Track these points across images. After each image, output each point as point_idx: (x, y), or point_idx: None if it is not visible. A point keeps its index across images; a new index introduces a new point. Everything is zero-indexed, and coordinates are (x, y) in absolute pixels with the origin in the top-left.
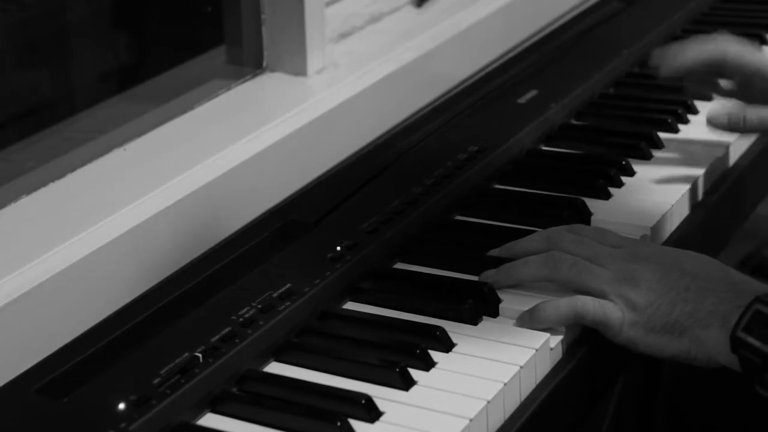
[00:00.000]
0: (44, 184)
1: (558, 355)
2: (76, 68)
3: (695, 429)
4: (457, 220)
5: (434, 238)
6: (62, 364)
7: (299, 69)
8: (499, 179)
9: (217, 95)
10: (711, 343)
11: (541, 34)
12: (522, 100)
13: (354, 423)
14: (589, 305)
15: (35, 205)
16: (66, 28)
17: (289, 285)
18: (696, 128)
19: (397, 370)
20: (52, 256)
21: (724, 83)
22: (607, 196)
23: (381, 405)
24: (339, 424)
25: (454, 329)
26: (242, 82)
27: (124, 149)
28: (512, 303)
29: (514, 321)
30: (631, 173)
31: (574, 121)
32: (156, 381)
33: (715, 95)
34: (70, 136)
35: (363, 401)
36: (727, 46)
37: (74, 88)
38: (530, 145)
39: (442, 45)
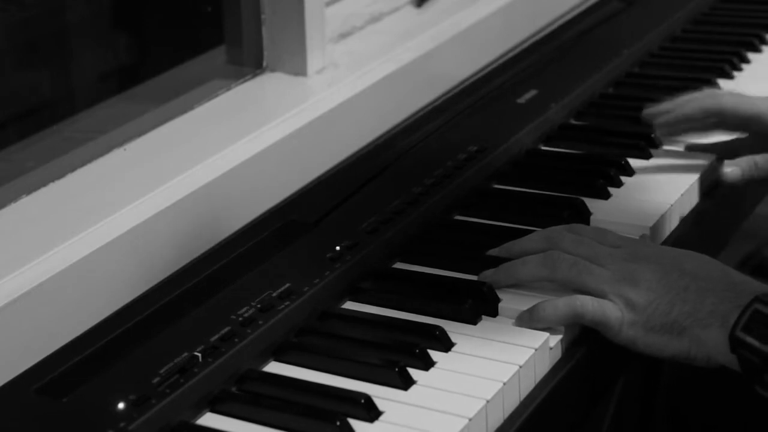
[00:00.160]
0: (44, 184)
1: (557, 354)
2: (76, 68)
3: (695, 429)
4: (457, 220)
5: (434, 238)
6: (62, 364)
7: (299, 69)
8: (499, 179)
9: (217, 95)
10: (710, 342)
11: (541, 34)
12: (522, 100)
13: (353, 422)
14: (588, 305)
15: (35, 205)
16: (66, 28)
17: (288, 285)
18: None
19: (397, 369)
20: (52, 256)
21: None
22: (607, 196)
23: (380, 404)
24: (338, 423)
25: (453, 329)
26: (242, 82)
27: (124, 149)
28: (511, 303)
29: (514, 320)
30: (630, 173)
31: (573, 121)
32: (155, 381)
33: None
34: (70, 136)
35: (362, 401)
36: (722, 99)
37: (74, 88)
38: (530, 145)
39: (442, 45)
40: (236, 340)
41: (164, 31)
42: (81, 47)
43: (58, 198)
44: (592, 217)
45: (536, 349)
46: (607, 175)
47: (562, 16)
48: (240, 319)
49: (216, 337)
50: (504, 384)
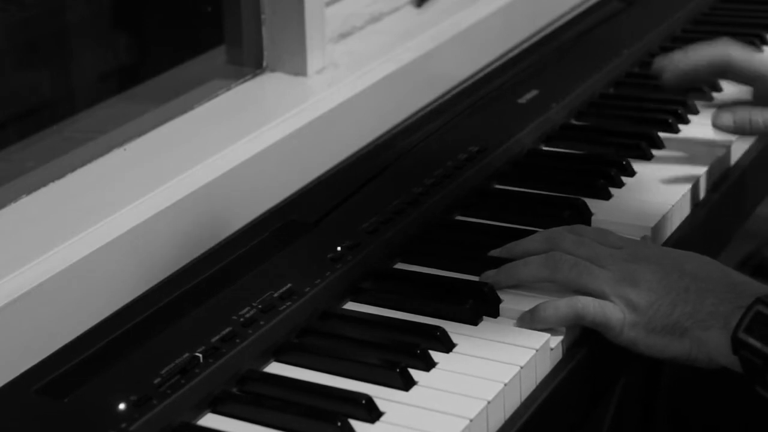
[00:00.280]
0: (44, 184)
1: (558, 355)
2: (76, 68)
3: (696, 430)
4: (458, 220)
5: (434, 238)
6: (62, 364)
7: (299, 69)
8: (500, 179)
9: (217, 95)
10: (712, 344)
11: (541, 34)
12: (522, 100)
13: (354, 423)
14: (589, 306)
15: (35, 205)
16: (66, 28)
17: (289, 285)
18: (696, 128)
19: (398, 370)
20: (52, 256)
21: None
22: (608, 196)
23: (381, 405)
24: (339, 424)
25: (454, 329)
26: (242, 82)
27: (124, 149)
28: (512, 303)
29: (515, 321)
30: (631, 173)
31: (574, 121)
32: (156, 381)
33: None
34: (70, 136)
35: (363, 401)
36: (731, 50)
37: (74, 88)
38: (530, 145)
39: (442, 45)
40: (237, 340)
41: (164, 31)
42: (81, 47)
43: (58, 198)
44: (593, 218)
45: (537, 350)
46: (608, 175)
47: (562, 16)
48: (241, 319)
49: (217, 337)
50: (505, 385)
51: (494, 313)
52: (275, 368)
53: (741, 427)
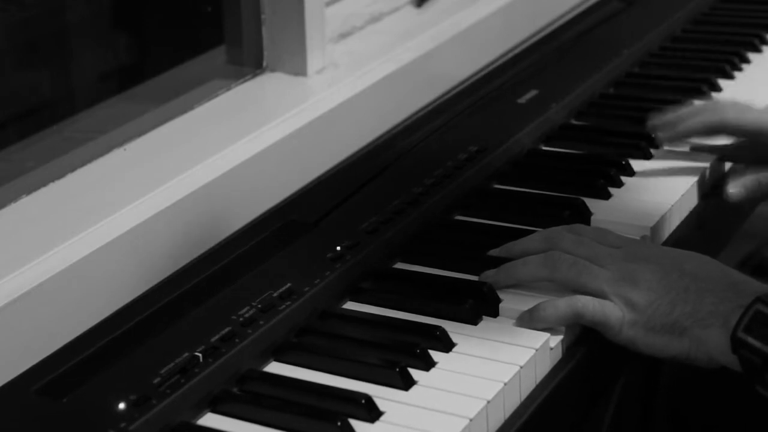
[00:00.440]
0: (44, 184)
1: (558, 354)
2: (76, 68)
3: (696, 429)
4: (457, 220)
5: (434, 238)
6: (62, 364)
7: (299, 69)
8: (499, 179)
9: (217, 95)
10: (711, 343)
11: (541, 34)
12: (522, 100)
13: (354, 423)
14: (588, 305)
15: (35, 205)
16: (66, 28)
17: (289, 285)
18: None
19: (398, 369)
20: (52, 256)
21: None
22: (607, 196)
23: (381, 405)
24: (339, 423)
25: (454, 329)
26: (242, 82)
27: (124, 149)
28: (512, 303)
29: (514, 321)
30: (631, 173)
31: (574, 121)
32: (156, 381)
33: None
34: (70, 136)
35: (363, 401)
36: (725, 113)
37: (74, 88)
38: (530, 145)
39: (442, 45)
40: (237, 340)
41: (164, 31)
42: (81, 47)
43: (58, 198)
44: (592, 217)
45: (537, 350)
46: (607, 175)
47: (562, 16)
48: (240, 319)
49: (216, 337)
50: (505, 384)
51: (494, 313)
52: (275, 368)
53: (740, 427)
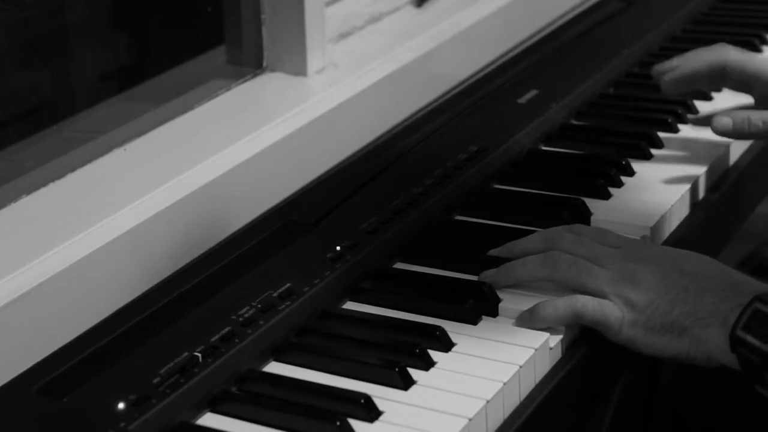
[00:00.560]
0: (44, 184)
1: (557, 354)
2: (76, 68)
3: (696, 429)
4: (457, 220)
5: (434, 238)
6: (62, 364)
7: (299, 69)
8: (499, 179)
9: (217, 95)
10: (711, 342)
11: (541, 34)
12: (522, 100)
13: (354, 423)
14: (588, 305)
15: (35, 205)
16: (66, 28)
17: (289, 285)
18: (696, 128)
19: (397, 369)
20: (52, 256)
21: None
22: (607, 196)
23: (380, 405)
24: (338, 423)
25: (453, 329)
26: (242, 82)
27: (124, 149)
28: (512, 303)
29: (514, 321)
30: (631, 173)
31: (574, 121)
32: (156, 381)
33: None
34: (70, 136)
35: (362, 401)
36: (728, 54)
37: (74, 88)
38: (530, 145)
39: (442, 45)
40: (236, 340)
41: (164, 31)
42: (81, 47)
43: (58, 198)
44: (592, 218)
45: (536, 349)
46: (607, 175)
47: (562, 16)
48: (240, 319)
49: (216, 337)
50: (504, 384)
51: (493, 313)
52: (274, 368)
53: (740, 426)
